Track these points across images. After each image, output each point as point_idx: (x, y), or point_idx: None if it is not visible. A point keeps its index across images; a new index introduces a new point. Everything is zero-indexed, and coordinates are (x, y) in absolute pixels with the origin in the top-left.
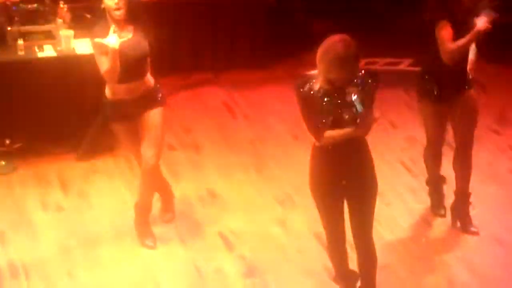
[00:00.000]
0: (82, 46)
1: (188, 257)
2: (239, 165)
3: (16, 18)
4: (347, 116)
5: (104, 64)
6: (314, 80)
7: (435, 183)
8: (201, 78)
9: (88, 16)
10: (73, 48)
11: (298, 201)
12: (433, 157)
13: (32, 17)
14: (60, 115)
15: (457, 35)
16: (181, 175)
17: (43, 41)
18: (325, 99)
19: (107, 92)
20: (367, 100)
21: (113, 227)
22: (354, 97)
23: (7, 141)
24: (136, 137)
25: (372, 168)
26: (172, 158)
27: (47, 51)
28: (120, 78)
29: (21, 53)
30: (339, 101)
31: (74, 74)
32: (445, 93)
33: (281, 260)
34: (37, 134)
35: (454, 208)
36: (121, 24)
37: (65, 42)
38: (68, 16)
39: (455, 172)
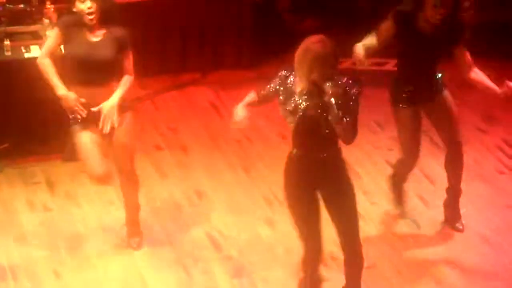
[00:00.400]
0: None
1: (176, 257)
2: (226, 165)
3: (2, 19)
4: (329, 117)
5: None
6: (294, 79)
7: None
8: (188, 78)
9: None
10: (60, 49)
11: None
12: (405, 170)
13: (18, 18)
14: (46, 116)
15: (416, 45)
16: (168, 175)
17: (29, 41)
18: (304, 99)
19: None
20: (349, 107)
21: (100, 227)
22: (333, 100)
23: None
24: (94, 144)
25: (346, 171)
26: (159, 158)
27: (34, 52)
28: (82, 80)
29: (7, 53)
30: (320, 103)
31: (60, 75)
32: (417, 96)
33: (269, 260)
34: (23, 135)
35: (446, 204)
36: (92, 28)
37: None
38: (54, 16)
39: (447, 171)
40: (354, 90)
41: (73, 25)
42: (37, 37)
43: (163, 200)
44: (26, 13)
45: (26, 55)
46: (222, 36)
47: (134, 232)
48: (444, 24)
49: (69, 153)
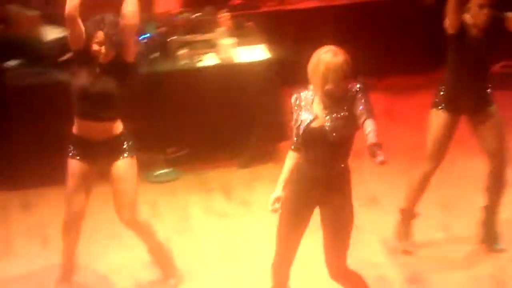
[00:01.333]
0: (242, 54)
1: (350, 263)
2: (399, 171)
3: (178, 28)
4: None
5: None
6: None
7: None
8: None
9: (249, 24)
10: (234, 57)
11: (464, 207)
12: (424, 180)
13: (194, 27)
14: (221, 123)
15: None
16: None
17: (204, 50)
18: (320, 112)
19: (74, 126)
20: (360, 108)
21: (272, 233)
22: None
23: (169, 150)
24: (82, 183)
25: (349, 193)
26: None
27: (209, 60)
28: (83, 112)
29: (183, 62)
30: (338, 115)
31: (234, 82)
32: (460, 104)
33: (446, 265)
34: (200, 142)
35: (481, 224)
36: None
37: (226, 51)
38: (229, 25)
39: (486, 190)
40: (358, 88)
41: None
42: (211, 46)
43: None
44: (202, 22)
45: (201, 64)
46: (395, 41)
47: (167, 273)
48: (489, 25)
49: (245, 160)
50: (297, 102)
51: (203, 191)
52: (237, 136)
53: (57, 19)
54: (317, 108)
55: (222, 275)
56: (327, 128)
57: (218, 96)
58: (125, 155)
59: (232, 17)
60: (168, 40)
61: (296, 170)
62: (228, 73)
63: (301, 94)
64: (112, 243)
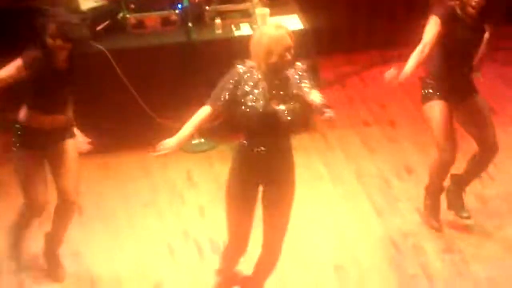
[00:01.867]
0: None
1: (385, 231)
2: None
3: None
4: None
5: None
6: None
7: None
8: (396, 54)
9: None
10: None
11: (499, 177)
12: (443, 169)
13: None
14: None
15: (459, 35)
16: (377, 150)
17: (239, 19)
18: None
19: (22, 116)
20: (306, 85)
21: (307, 203)
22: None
23: None
24: (37, 171)
25: (292, 173)
26: (368, 134)
27: (244, 30)
28: (44, 106)
29: (218, 32)
30: (287, 97)
31: None
32: (448, 94)
33: (480, 237)
34: None
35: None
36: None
37: (261, 20)
38: None
39: (468, 166)
40: (301, 68)
41: None
42: (246, 15)
43: (371, 175)
44: None
45: (236, 33)
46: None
47: (53, 265)
48: (481, 9)
49: None
50: (240, 76)
51: None
52: None
53: None
54: (264, 88)
55: (256, 245)
56: (280, 113)
57: None
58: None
59: None
60: (204, 9)
61: (238, 150)
62: None
63: (245, 68)
64: (150, 211)
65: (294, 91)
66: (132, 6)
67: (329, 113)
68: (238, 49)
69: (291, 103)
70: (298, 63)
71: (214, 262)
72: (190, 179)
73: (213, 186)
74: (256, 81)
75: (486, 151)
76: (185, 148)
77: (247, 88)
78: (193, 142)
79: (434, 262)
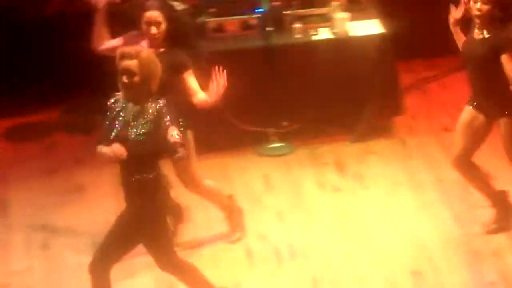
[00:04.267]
0: (356, 28)
1: (464, 238)
2: None
3: (293, 2)
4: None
5: None
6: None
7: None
8: None
9: None
10: (348, 31)
11: None
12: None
13: (308, 0)
14: (335, 97)
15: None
16: None
17: (319, 24)
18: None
19: None
20: (167, 121)
21: (386, 209)
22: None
23: (285, 123)
24: None
25: (151, 207)
26: (448, 140)
27: (323, 34)
28: None
29: (297, 36)
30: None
31: (348, 56)
32: (481, 103)
33: None
34: (313, 116)
35: None
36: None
37: (340, 25)
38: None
39: None
40: (162, 104)
41: None
42: (326, 20)
43: (451, 181)
44: None
45: (315, 38)
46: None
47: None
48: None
49: (358, 135)
50: (113, 106)
51: (316, 165)
52: (349, 111)
53: None
54: (128, 115)
55: (335, 251)
56: (130, 140)
57: (331, 70)
58: None
59: None
60: (283, 13)
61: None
62: (342, 47)
63: (116, 98)
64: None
65: (151, 126)
66: (212, 10)
67: (180, 153)
68: (317, 53)
69: (144, 136)
70: (160, 100)
71: (292, 267)
72: (268, 183)
73: (291, 191)
74: (121, 107)
75: None
76: (262, 152)
77: (117, 116)
78: (271, 146)
79: None
